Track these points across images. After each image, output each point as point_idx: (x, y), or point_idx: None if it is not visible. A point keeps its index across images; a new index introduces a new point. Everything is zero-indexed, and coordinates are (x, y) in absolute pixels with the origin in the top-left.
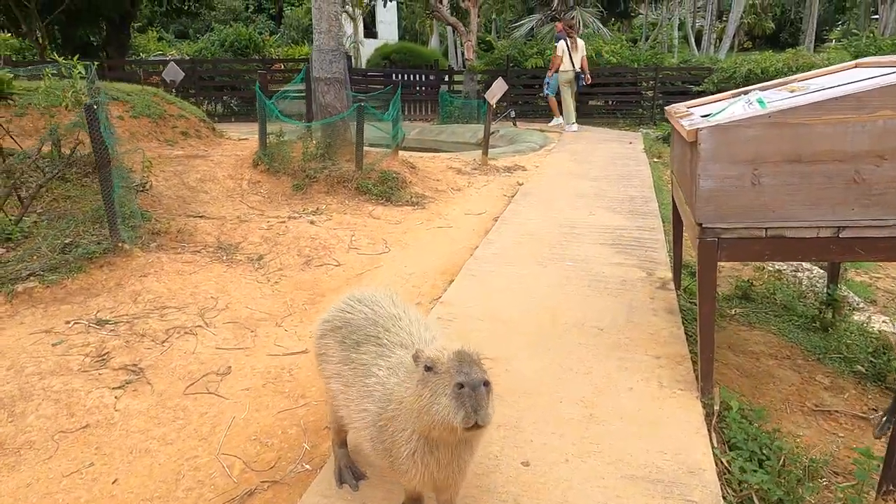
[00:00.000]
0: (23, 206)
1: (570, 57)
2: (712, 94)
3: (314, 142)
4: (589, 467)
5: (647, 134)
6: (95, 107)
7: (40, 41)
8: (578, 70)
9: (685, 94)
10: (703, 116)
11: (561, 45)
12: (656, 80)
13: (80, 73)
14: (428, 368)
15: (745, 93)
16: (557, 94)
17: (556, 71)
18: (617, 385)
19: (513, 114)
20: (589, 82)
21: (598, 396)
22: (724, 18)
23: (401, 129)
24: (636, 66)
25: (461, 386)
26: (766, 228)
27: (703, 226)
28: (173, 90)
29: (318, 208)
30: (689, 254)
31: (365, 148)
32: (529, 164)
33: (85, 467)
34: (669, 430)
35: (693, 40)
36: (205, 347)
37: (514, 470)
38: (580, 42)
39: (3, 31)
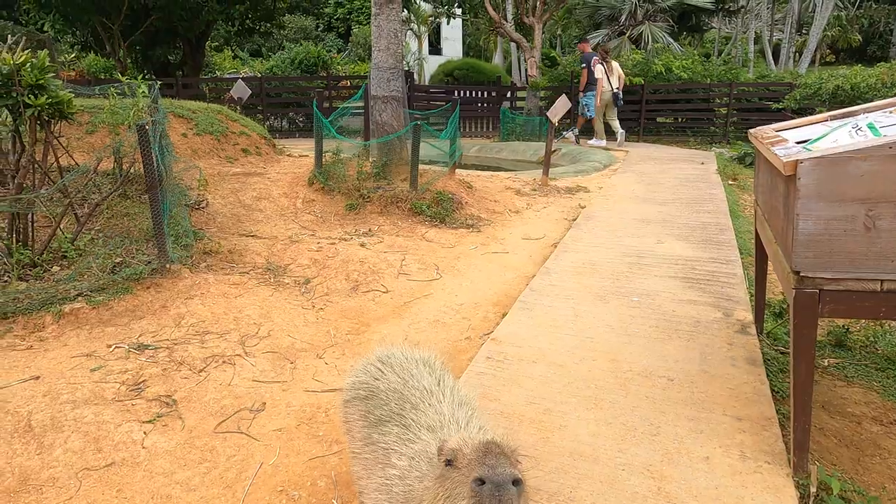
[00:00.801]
0: (79, 224)
1: (608, 78)
2: (794, 112)
3: (370, 161)
4: None
5: (720, 154)
6: (147, 126)
7: (122, 60)
8: (617, 90)
9: (762, 112)
10: (798, 143)
11: (600, 67)
12: (731, 96)
13: (143, 92)
14: (448, 462)
15: (847, 115)
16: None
17: (589, 91)
18: (690, 452)
19: (576, 131)
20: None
21: (668, 466)
22: (805, 31)
23: (459, 147)
24: (709, 81)
25: (481, 482)
26: (882, 281)
27: (802, 275)
28: (239, 107)
29: (370, 229)
30: (773, 290)
31: (421, 167)
32: (592, 185)
33: None
34: None
35: (770, 54)
36: (241, 379)
37: None
38: (615, 64)
39: (91, 52)
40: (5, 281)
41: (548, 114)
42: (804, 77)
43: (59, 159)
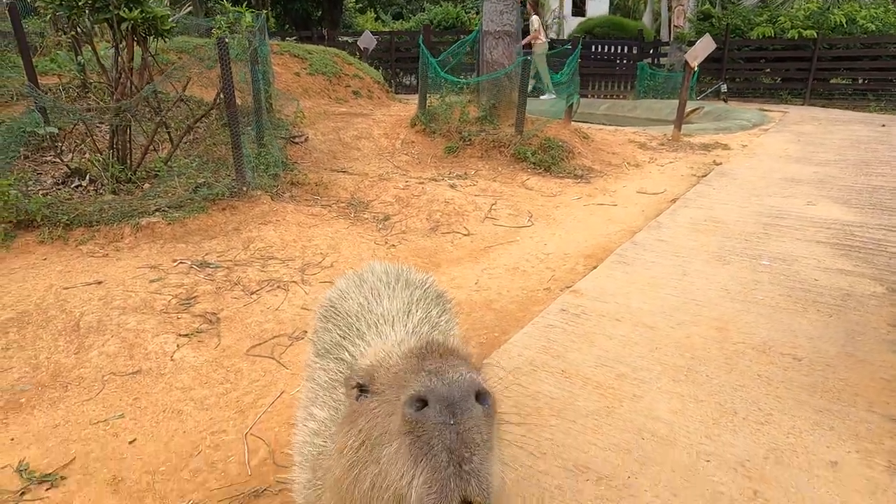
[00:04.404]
0: (173, 145)
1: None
2: None
3: (475, 104)
4: None
5: None
6: (227, 41)
7: (266, 14)
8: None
9: None
10: None
11: (536, 19)
12: None
13: (248, 22)
14: (362, 390)
15: None
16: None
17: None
18: (810, 452)
19: (724, 88)
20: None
21: (774, 466)
22: None
23: (576, 94)
24: None
25: (421, 403)
26: None
27: None
28: (365, 58)
29: (465, 172)
30: None
31: (533, 116)
32: (735, 142)
33: (114, 418)
34: None
35: None
36: (290, 306)
37: None
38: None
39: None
40: (100, 193)
41: (686, 56)
42: None
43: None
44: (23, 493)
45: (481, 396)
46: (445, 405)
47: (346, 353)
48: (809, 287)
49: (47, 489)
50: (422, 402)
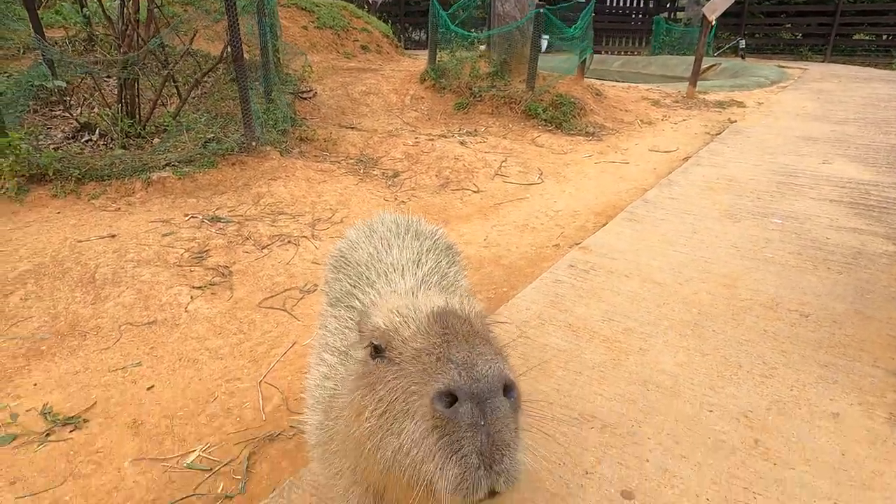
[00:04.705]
0: (181, 99)
1: None
2: None
3: (486, 59)
4: None
5: None
6: None
7: None
8: None
9: None
10: None
11: None
12: None
13: None
14: (377, 350)
15: None
16: None
17: None
18: (812, 405)
19: (742, 44)
20: None
21: (776, 416)
22: None
23: (589, 49)
24: None
25: (450, 399)
26: None
27: None
28: (375, 12)
29: (475, 129)
30: None
31: (545, 72)
32: (751, 100)
33: (132, 366)
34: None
35: None
36: (301, 260)
37: (607, 500)
38: None
39: None
40: (110, 148)
41: (704, 10)
42: None
43: (174, 39)
44: (48, 435)
45: (508, 389)
46: (475, 403)
47: (357, 301)
48: (820, 245)
49: (71, 431)
50: (451, 398)
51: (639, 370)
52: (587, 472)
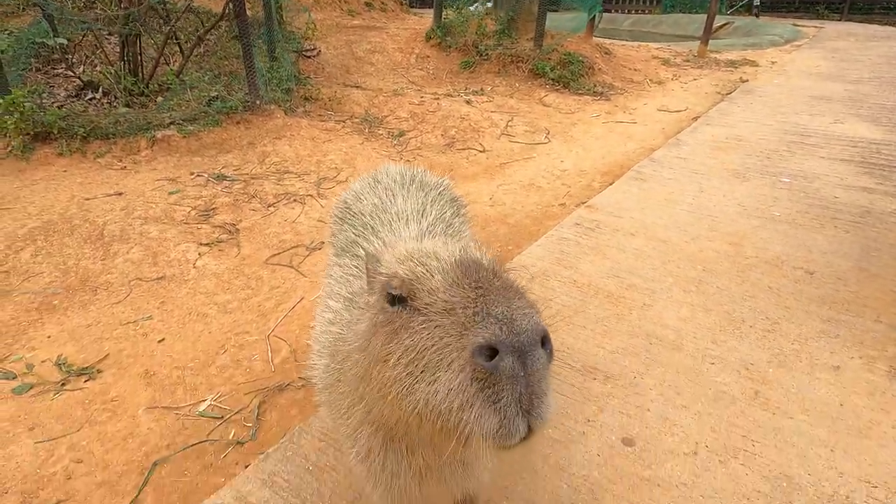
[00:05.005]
0: (183, 57)
1: None
2: None
3: (492, 16)
4: (727, 477)
5: None
6: None
7: None
8: None
9: None
10: None
11: None
12: None
13: None
14: (398, 300)
15: None
16: None
17: None
18: (813, 358)
19: (757, 2)
20: None
21: (777, 369)
22: None
23: (599, 7)
24: None
25: (490, 353)
26: None
27: None
28: None
29: (481, 88)
30: None
31: (553, 30)
32: (764, 59)
33: (143, 319)
34: (892, 454)
35: None
36: (307, 218)
37: (607, 447)
38: None
39: None
40: (114, 106)
41: None
42: None
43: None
44: (63, 384)
45: (545, 341)
46: (517, 356)
47: (361, 250)
48: (828, 204)
49: (85, 381)
50: (492, 351)
51: (642, 325)
52: (589, 420)
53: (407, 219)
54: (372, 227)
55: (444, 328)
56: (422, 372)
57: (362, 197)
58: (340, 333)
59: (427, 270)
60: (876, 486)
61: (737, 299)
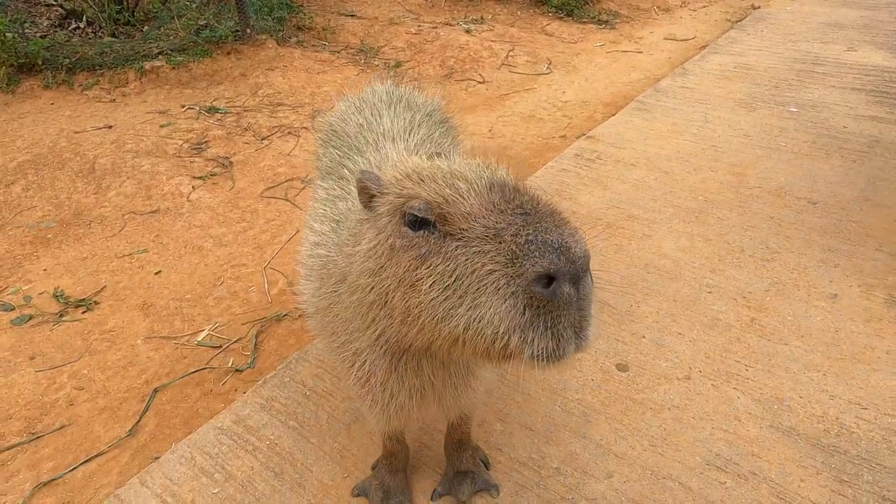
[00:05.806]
0: None
1: None
2: None
3: None
4: (719, 400)
5: None
6: None
7: None
8: None
9: None
10: None
11: None
12: None
13: None
14: (424, 224)
15: None
16: None
17: None
18: (812, 286)
19: None
20: None
21: (774, 297)
22: None
23: None
24: None
25: (547, 280)
26: None
27: None
28: None
29: (481, 17)
30: None
31: None
32: None
33: (138, 253)
34: (884, 377)
35: None
36: (302, 151)
37: (602, 372)
38: None
39: None
40: (99, 36)
41: None
42: None
43: None
44: (61, 315)
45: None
46: (572, 283)
47: (346, 171)
48: (836, 134)
49: (83, 312)
50: (548, 279)
51: (641, 255)
52: None
53: (393, 138)
54: (356, 147)
55: (487, 254)
56: (460, 297)
57: (347, 118)
58: (329, 255)
59: (458, 193)
60: (866, 408)
61: (737, 229)
